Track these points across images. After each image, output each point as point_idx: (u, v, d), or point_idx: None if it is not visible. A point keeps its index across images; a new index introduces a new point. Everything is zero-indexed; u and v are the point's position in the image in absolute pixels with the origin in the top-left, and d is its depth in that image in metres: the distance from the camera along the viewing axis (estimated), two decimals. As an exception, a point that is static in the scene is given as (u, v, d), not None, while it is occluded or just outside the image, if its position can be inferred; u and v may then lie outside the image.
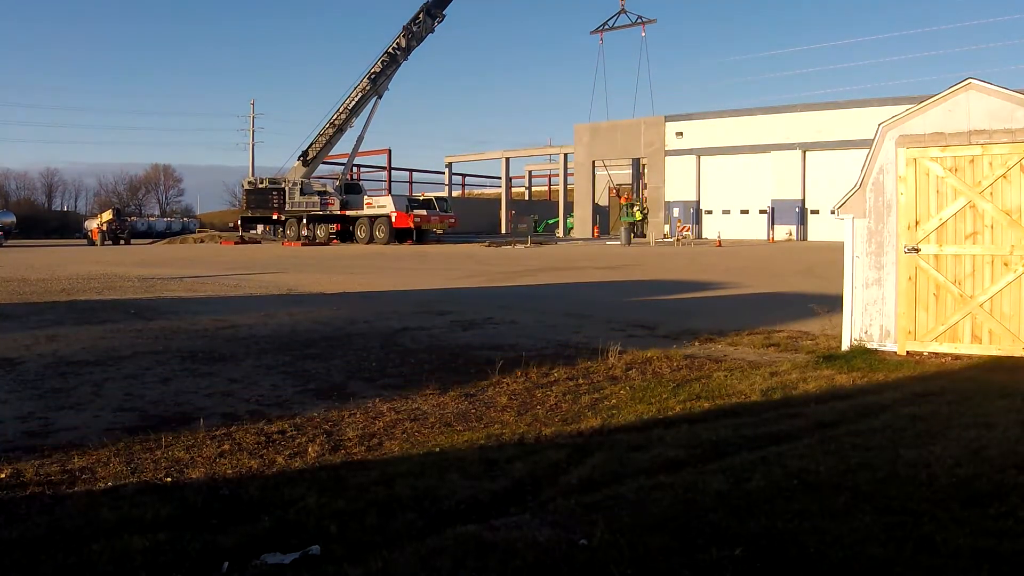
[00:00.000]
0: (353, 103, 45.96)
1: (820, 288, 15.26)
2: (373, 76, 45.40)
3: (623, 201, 54.56)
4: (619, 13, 47.85)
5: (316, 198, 47.20)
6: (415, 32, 45.03)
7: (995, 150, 7.56)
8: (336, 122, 46.50)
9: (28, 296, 15.44)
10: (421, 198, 54.26)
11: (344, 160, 53.20)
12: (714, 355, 8.41)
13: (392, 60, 45.47)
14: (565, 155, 65.65)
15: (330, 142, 47.74)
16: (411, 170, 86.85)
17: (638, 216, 50.37)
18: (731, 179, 53.31)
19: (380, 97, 46.53)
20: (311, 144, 47.53)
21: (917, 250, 7.94)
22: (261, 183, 49.10)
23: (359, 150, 50.41)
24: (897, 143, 8.06)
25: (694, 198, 54.84)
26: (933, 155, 7.86)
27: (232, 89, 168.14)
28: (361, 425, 5.71)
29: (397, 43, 44.96)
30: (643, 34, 48.42)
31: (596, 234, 58.99)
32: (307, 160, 48.10)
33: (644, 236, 49.97)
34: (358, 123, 47.40)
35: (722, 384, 6.90)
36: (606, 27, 49.03)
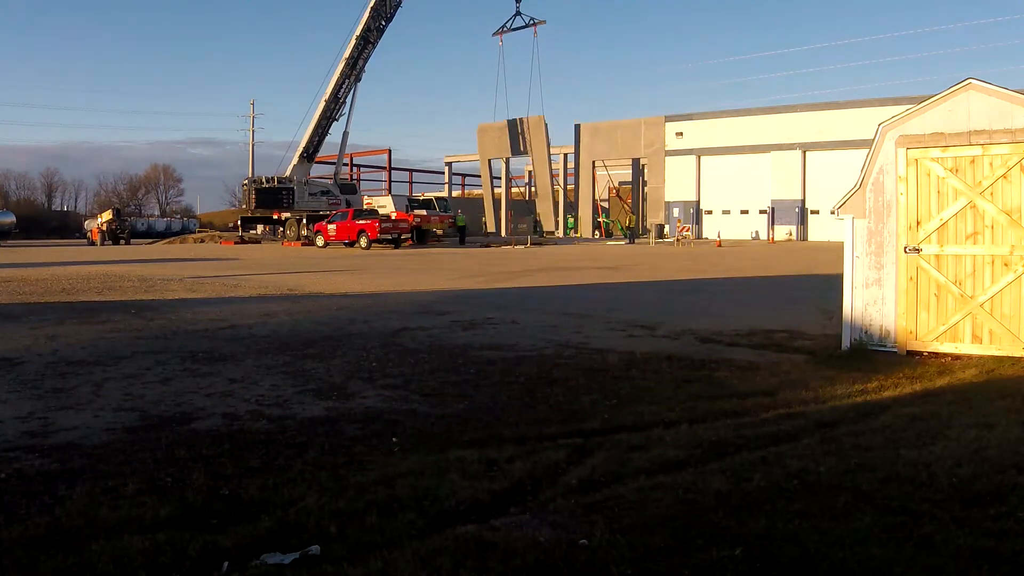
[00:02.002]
0: (337, 89, 46.04)
1: (817, 284, 15.27)
2: (350, 60, 45.53)
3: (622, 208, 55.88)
4: (515, 15, 49.46)
5: (324, 198, 47.35)
6: (382, 12, 45.30)
7: (995, 150, 7.56)
8: (327, 113, 46.57)
9: (28, 296, 15.44)
10: (421, 198, 54.27)
11: (334, 159, 53.11)
12: (714, 355, 8.41)
13: (366, 42, 45.73)
14: (565, 155, 65.69)
15: (324, 133, 47.79)
16: (411, 170, 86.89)
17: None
18: (731, 179, 53.37)
19: (359, 80, 46.68)
20: (309, 139, 47.44)
21: (918, 250, 7.94)
22: (269, 182, 48.46)
23: (347, 144, 50.43)
24: (897, 143, 8.06)
25: (694, 198, 54.89)
26: (934, 155, 7.86)
27: (232, 88, 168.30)
28: (360, 425, 5.71)
29: (366, 24, 45.17)
30: (535, 35, 50.24)
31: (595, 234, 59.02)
32: (310, 157, 48.09)
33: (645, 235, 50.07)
34: (342, 113, 47.58)
35: (722, 384, 6.90)
36: (505, 29, 50.38)
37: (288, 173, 47.80)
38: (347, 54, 45.58)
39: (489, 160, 64.33)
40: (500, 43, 52.55)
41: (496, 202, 65.06)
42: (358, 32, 45.42)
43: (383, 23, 46.16)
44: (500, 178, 66.16)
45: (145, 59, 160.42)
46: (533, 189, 66.32)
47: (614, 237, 56.86)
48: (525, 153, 60.98)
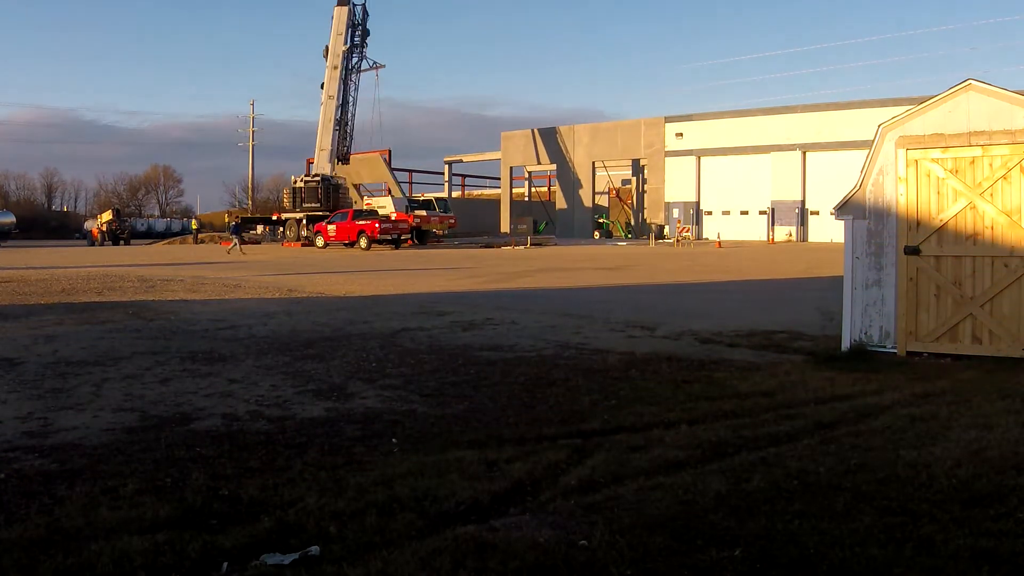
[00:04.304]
0: (344, 94, 47.44)
1: (817, 285, 15.26)
2: (343, 71, 47.02)
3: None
4: (360, 59, 52.61)
5: (350, 198, 48.44)
6: (351, 42, 47.37)
7: (995, 151, 7.56)
8: (343, 115, 47.94)
9: (28, 297, 15.44)
10: (421, 199, 54.40)
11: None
12: (714, 356, 8.41)
13: (349, 56, 47.45)
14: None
15: (350, 132, 49.13)
16: (411, 171, 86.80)
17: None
18: (731, 180, 53.36)
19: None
20: (340, 143, 48.45)
21: (918, 251, 7.94)
22: (332, 181, 49.00)
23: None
24: (897, 144, 8.06)
25: (694, 199, 54.88)
26: (934, 156, 7.87)
27: (231, 88, 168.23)
28: (360, 426, 5.71)
29: (345, 51, 47.04)
30: (376, 78, 53.17)
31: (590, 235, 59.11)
32: (346, 160, 49.25)
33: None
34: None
35: (722, 385, 6.90)
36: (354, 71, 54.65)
37: (327, 172, 48.53)
38: (336, 63, 47.23)
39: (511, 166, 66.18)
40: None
41: (514, 204, 66.00)
42: (345, 48, 46.98)
43: (356, 40, 47.78)
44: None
45: (143, 57, 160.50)
46: (554, 190, 67.56)
47: (614, 238, 56.91)
48: (555, 160, 62.34)
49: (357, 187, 51.00)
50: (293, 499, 4.09)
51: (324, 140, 48.75)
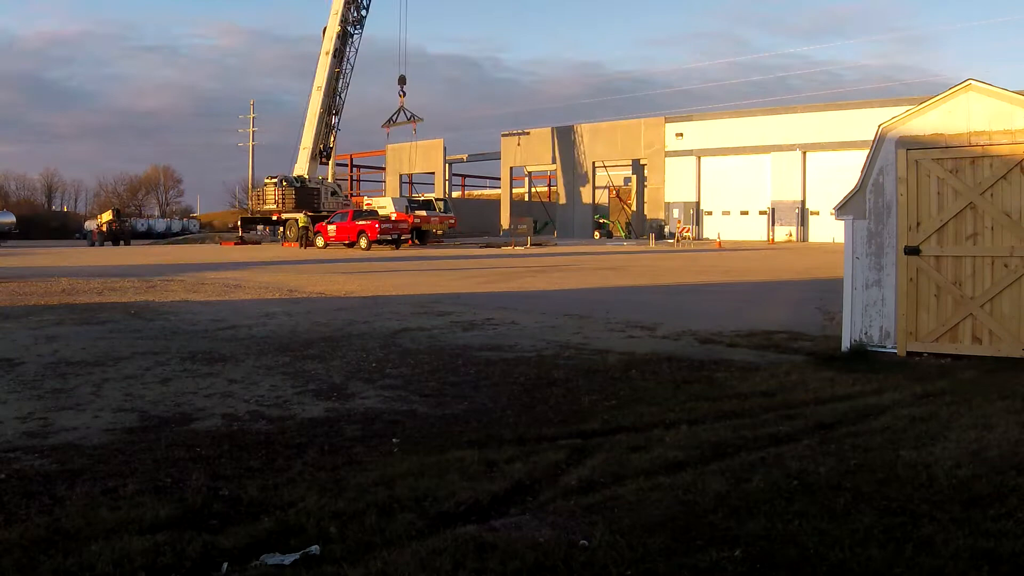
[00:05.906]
0: (331, 82, 46.58)
1: (817, 286, 15.26)
2: (336, 53, 46.02)
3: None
4: (399, 110, 54.13)
5: (332, 198, 47.89)
6: (349, 19, 45.97)
7: (995, 151, 7.56)
8: (330, 107, 46.98)
9: (28, 297, 15.43)
10: (421, 199, 54.49)
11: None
12: (714, 356, 8.41)
13: (346, 35, 46.34)
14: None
15: (331, 129, 48.34)
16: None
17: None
18: (731, 180, 53.40)
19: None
20: (315, 138, 47.70)
21: (918, 251, 7.94)
22: (299, 182, 47.73)
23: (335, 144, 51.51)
24: (897, 144, 8.06)
25: (694, 199, 54.91)
26: (934, 156, 7.87)
27: (233, 86, 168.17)
28: (360, 426, 5.71)
29: (342, 16, 45.76)
30: (414, 131, 55.45)
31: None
32: (328, 156, 48.51)
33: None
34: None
35: (722, 385, 6.90)
36: (392, 123, 55.30)
37: (306, 173, 47.74)
38: (330, 48, 45.59)
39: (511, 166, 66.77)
40: (387, 135, 57.12)
41: (514, 204, 66.28)
42: (338, 30, 45.51)
43: (363, 12, 46.36)
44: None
45: (144, 58, 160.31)
46: (554, 190, 68.21)
47: (614, 238, 56.96)
48: (554, 160, 62.76)
49: (404, 176, 52.01)
50: (293, 499, 4.09)
51: (307, 137, 47.32)
